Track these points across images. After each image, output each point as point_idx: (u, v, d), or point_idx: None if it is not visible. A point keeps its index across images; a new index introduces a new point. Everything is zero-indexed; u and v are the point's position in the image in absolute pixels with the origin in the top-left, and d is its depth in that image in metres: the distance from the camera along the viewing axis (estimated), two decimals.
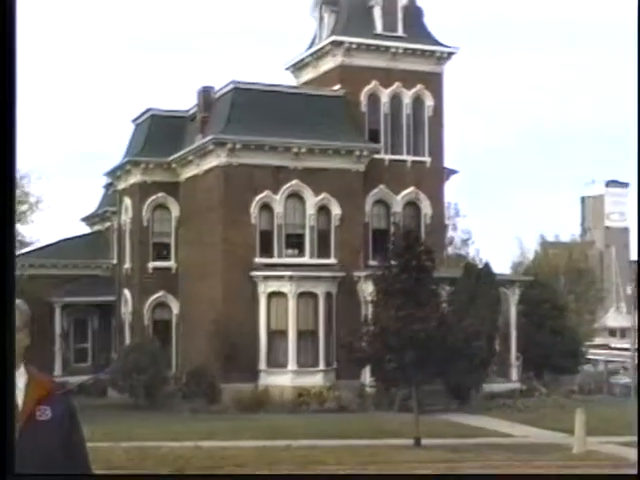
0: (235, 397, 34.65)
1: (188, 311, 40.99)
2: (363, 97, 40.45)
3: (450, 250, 58.18)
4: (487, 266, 37.16)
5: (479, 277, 35.53)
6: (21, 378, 3.82)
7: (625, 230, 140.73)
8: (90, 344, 46.51)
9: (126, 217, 43.97)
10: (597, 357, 59.23)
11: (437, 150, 41.60)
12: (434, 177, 41.33)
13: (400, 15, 41.40)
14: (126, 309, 43.56)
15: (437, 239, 40.24)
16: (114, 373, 37.60)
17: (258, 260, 37.45)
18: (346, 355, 34.85)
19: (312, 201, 38.39)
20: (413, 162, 41.00)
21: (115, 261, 46.72)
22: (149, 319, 41.95)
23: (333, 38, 40.29)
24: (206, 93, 41.01)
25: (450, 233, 61.26)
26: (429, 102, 41.43)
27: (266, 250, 37.73)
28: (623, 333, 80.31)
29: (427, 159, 41.25)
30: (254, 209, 37.62)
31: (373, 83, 40.60)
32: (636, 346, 49.63)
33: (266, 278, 36.87)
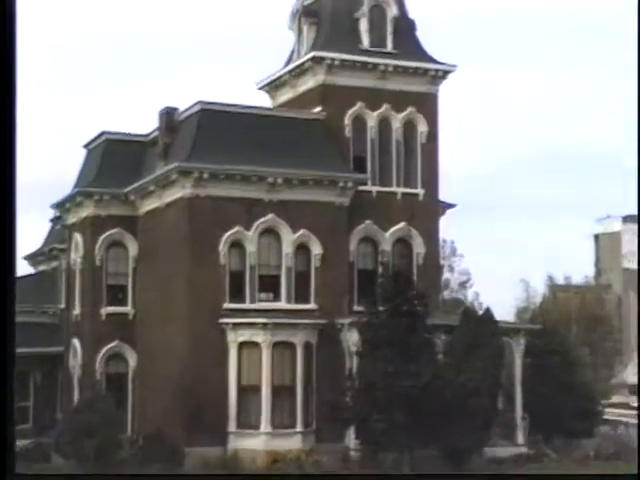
0: (200, 463, 34.46)
1: (147, 363, 40.85)
2: (347, 120, 40.81)
3: (446, 294, 58.44)
4: (488, 312, 37.32)
5: (479, 325, 35.69)
6: None
7: None
8: (32, 402, 46.12)
9: (76, 255, 43.93)
10: (615, 418, 59.25)
11: (431, 181, 41.94)
12: (428, 211, 41.62)
13: (390, 29, 41.95)
14: (75, 361, 43.34)
15: (431, 281, 40.45)
16: (59, 436, 37.30)
17: (228, 305, 37.45)
18: (328, 414, 34.92)
19: (289, 238, 38.55)
20: (404, 194, 41.29)
21: (63, 306, 46.55)
22: (101, 373, 41.75)
23: (313, 54, 40.74)
24: (169, 115, 41.24)
25: (446, 274, 61.64)
26: (422, 127, 41.83)
27: (237, 294, 37.75)
28: None
29: (420, 191, 41.56)
30: (223, 247, 37.71)
31: (358, 105, 40.98)
32: None
33: (237, 326, 36.87)
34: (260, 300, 38.23)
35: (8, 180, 3.60)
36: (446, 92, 44.37)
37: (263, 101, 44.63)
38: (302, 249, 38.88)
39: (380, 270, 38.18)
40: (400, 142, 41.66)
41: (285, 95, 43.40)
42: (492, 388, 34.62)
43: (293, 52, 43.86)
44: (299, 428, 36.69)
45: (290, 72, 42.57)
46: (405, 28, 42.45)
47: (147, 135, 44.04)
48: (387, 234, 40.76)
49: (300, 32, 43.17)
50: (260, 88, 44.91)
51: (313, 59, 40.78)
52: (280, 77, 43.41)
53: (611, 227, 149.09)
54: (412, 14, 43.11)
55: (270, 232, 38.59)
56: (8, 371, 3.70)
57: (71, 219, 45.27)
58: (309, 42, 42.32)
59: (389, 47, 41.85)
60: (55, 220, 51.75)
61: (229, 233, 37.83)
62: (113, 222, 42.54)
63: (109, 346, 41.80)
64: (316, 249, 38.91)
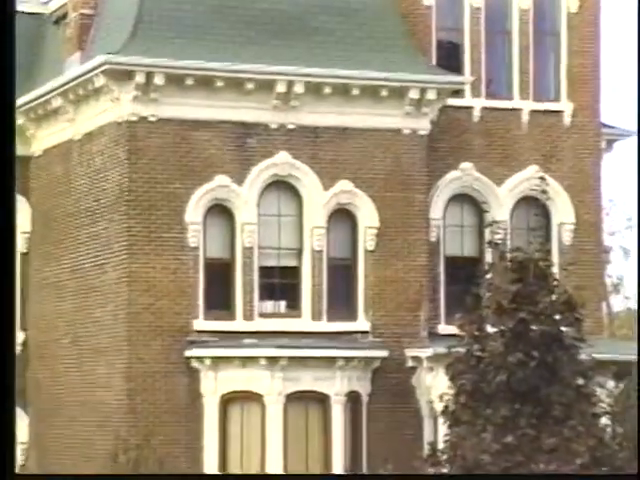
0: None
1: (50, 435, 41.80)
2: None
3: (617, 302, 58.69)
4: None
5: None
6: None
7: None
8: None
9: None
10: None
11: (587, 89, 42.50)
12: (580, 145, 42.26)
13: None
14: None
15: (588, 278, 41.00)
16: None
17: (201, 324, 38.14)
18: None
19: (318, 198, 39.28)
20: (535, 113, 41.87)
21: None
22: None
23: None
24: None
25: (617, 266, 61.95)
26: None
27: (220, 302, 38.52)
28: None
29: (565, 106, 42.16)
30: (194, 215, 38.37)
31: None
32: None
33: (219, 362, 37.46)
34: (263, 314, 39.01)
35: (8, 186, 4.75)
36: None
37: None
38: (342, 218, 39.60)
39: (490, 258, 38.63)
40: (527, 13, 42.37)
41: None
42: None
43: None
44: None
45: None
46: None
47: (46, 2, 44.79)
48: (502, 189, 41.46)
49: None
50: None
51: None
52: None
53: None
54: None
55: (282, 186, 39.31)
56: (8, 372, 4.81)
57: None
58: None
59: None
60: None
61: (204, 189, 38.48)
62: None
63: None
64: (368, 219, 39.62)
